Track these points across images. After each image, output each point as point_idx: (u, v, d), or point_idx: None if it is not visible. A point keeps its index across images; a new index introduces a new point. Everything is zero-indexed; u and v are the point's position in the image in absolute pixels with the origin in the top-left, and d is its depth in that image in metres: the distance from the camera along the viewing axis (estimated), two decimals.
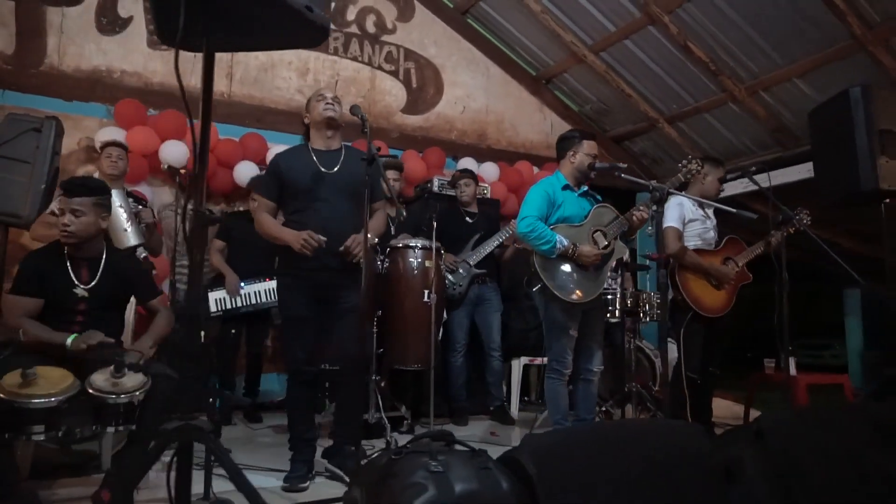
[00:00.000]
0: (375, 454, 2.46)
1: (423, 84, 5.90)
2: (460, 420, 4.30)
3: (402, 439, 3.49)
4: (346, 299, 2.75)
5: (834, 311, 9.35)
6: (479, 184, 4.84)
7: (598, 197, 3.33)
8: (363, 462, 1.80)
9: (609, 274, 3.34)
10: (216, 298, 4.23)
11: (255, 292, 4.36)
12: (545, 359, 4.97)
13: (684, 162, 3.36)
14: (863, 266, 5.50)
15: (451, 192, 4.89)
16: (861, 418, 2.22)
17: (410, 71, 5.85)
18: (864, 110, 3.14)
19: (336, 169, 2.79)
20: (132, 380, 2.22)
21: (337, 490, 2.62)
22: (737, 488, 1.83)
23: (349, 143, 3.09)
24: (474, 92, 6.17)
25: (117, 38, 4.78)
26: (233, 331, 4.40)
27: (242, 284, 4.29)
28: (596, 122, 6.70)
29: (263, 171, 3.76)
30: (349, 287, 2.73)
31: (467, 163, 5.74)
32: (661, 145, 6.50)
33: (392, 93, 5.78)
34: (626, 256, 3.35)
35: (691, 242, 3.58)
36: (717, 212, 3.76)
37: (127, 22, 4.82)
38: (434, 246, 3.60)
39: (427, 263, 3.69)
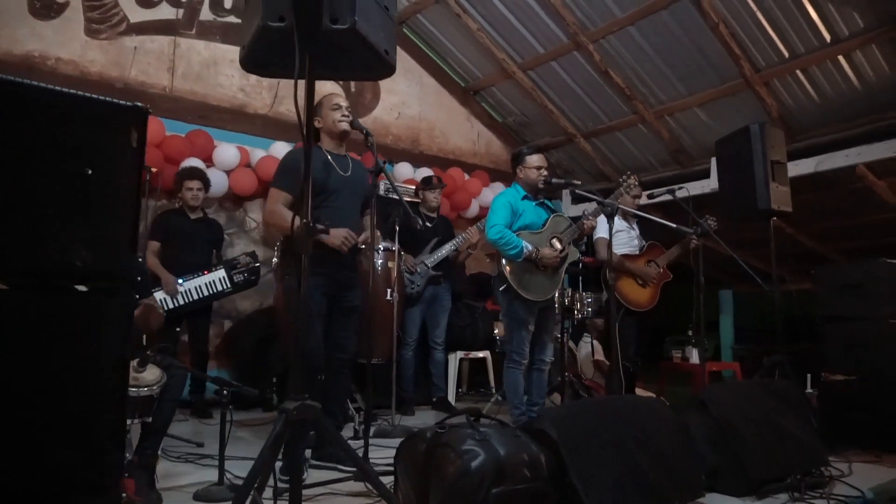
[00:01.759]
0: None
1: (362, 89, 6.11)
2: (407, 410, 4.58)
3: (361, 430, 3.74)
4: (352, 298, 2.96)
5: (709, 310, 10.54)
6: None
7: (550, 204, 3.77)
8: (403, 440, 2.05)
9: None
10: (157, 300, 4.21)
11: (195, 288, 4.38)
12: (481, 353, 5.44)
13: (623, 178, 3.90)
14: (739, 269, 6.43)
15: (395, 197, 5.17)
16: (766, 390, 2.82)
17: None
18: (762, 144, 3.80)
19: (349, 173, 2.97)
20: (151, 373, 2.33)
21: (332, 475, 2.77)
22: (693, 445, 2.32)
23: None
24: (409, 99, 6.46)
25: (53, 23, 4.59)
26: (177, 329, 4.40)
27: (181, 281, 4.30)
28: (517, 134, 7.22)
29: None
30: (353, 287, 2.95)
31: (404, 167, 6.03)
32: (575, 158, 7.14)
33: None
34: (576, 259, 3.80)
35: (620, 249, 4.12)
36: (640, 221, 4.35)
37: (63, 7, 4.64)
38: (397, 248, 3.87)
39: (390, 264, 3.96)
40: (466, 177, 6.43)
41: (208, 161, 4.87)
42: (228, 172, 4.97)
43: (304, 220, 1.65)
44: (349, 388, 3.47)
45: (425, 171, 6.08)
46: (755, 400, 2.63)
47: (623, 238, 4.14)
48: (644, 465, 1.98)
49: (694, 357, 4.60)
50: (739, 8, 4.71)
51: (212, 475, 2.54)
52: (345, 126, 2.94)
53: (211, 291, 4.36)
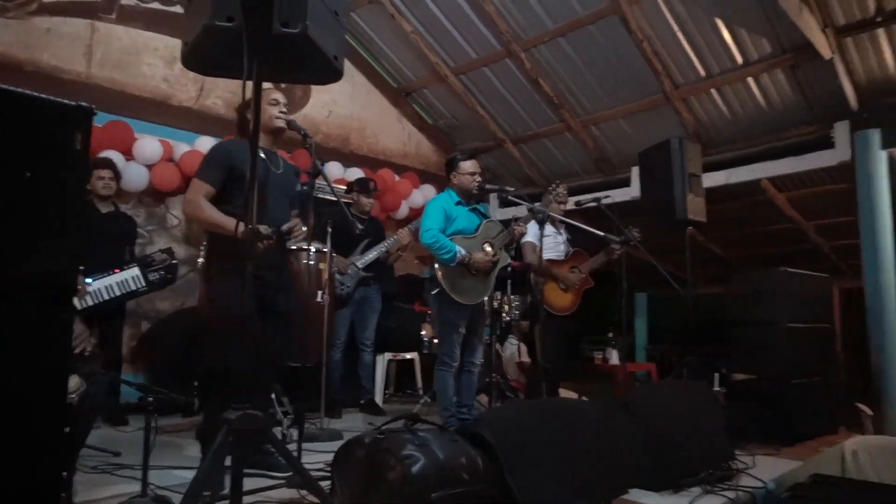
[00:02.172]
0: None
1: (292, 86, 5.98)
2: (335, 413, 4.54)
3: (293, 433, 3.68)
4: (281, 301, 2.88)
5: (626, 311, 11.04)
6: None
7: (483, 209, 3.85)
8: (342, 446, 2.05)
9: None
10: None
11: (106, 287, 4.14)
12: (409, 354, 5.46)
13: (552, 187, 4.04)
14: (653, 272, 6.78)
15: (325, 197, 5.11)
16: (682, 391, 3.01)
17: None
18: (680, 157, 4.05)
19: (280, 171, 2.89)
20: (70, 381, 2.20)
21: (267, 481, 2.70)
22: (619, 443, 2.44)
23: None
24: (340, 98, 6.39)
25: None
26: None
27: (89, 281, 4.07)
28: (448, 136, 7.29)
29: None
30: (282, 288, 2.88)
31: (334, 167, 5.96)
32: (503, 162, 7.29)
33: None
34: (507, 264, 3.89)
35: (547, 255, 4.25)
36: (568, 227, 4.50)
37: None
38: (329, 249, 3.82)
39: (321, 266, 3.91)
40: (397, 178, 6.43)
41: (128, 154, 4.64)
42: (150, 167, 4.74)
43: (249, 226, 1.61)
44: (274, 391, 3.39)
45: (356, 171, 6.05)
46: (673, 399, 2.80)
47: (549, 243, 4.25)
48: (575, 463, 2.08)
49: (614, 358, 4.81)
50: (662, 27, 4.98)
51: (133, 487, 2.43)
52: (281, 123, 2.87)
53: (124, 291, 4.13)
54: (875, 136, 4.80)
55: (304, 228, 2.91)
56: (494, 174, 7.56)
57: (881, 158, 4.80)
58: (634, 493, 2.51)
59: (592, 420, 2.29)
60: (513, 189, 3.65)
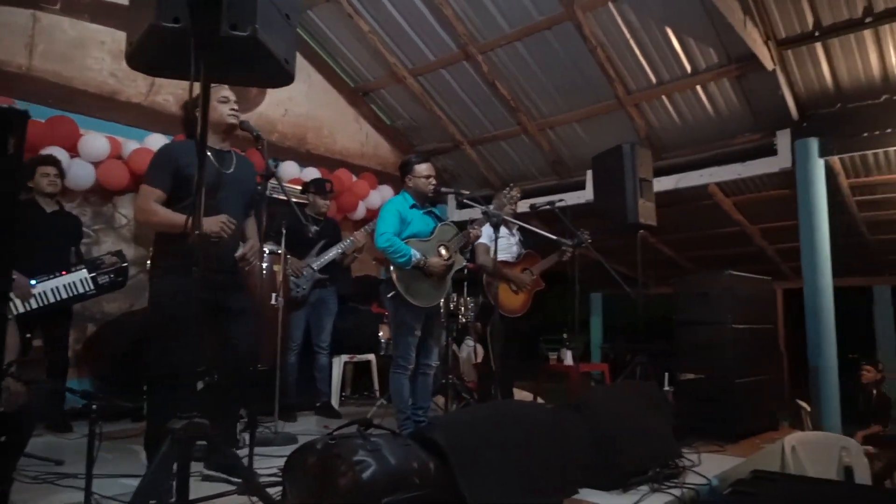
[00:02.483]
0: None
1: None
2: (290, 416, 4.48)
3: (244, 437, 3.62)
4: (237, 302, 2.83)
5: (581, 310, 11.28)
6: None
7: (438, 212, 3.86)
8: (293, 452, 2.03)
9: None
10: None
11: (52, 290, 4.00)
12: (367, 356, 5.44)
13: (506, 190, 4.08)
14: (606, 272, 6.93)
15: (281, 197, 5.04)
16: (632, 391, 3.09)
17: None
18: (632, 162, 4.14)
19: (231, 170, 2.81)
20: (10, 388, 2.12)
21: (218, 487, 2.64)
22: (570, 444, 2.49)
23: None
24: (297, 96, 6.31)
25: None
26: (27, 335, 3.99)
27: (34, 283, 3.92)
28: (406, 137, 7.28)
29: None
30: (237, 289, 2.82)
31: (290, 167, 5.88)
32: (461, 164, 7.33)
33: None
34: (462, 266, 3.91)
35: (499, 256, 4.27)
36: (521, 229, 4.55)
37: None
38: (283, 252, 3.78)
39: (275, 268, 3.85)
40: (354, 178, 6.39)
41: (73, 151, 4.47)
42: (96, 164, 4.58)
43: (197, 231, 1.58)
44: (241, 395, 3.31)
45: (312, 171, 5.98)
46: (623, 400, 2.87)
47: (502, 245, 4.27)
48: (527, 465, 2.11)
49: (568, 359, 4.89)
50: (615, 35, 5.09)
51: (75, 497, 2.36)
52: (232, 120, 2.80)
53: (71, 294, 3.98)
54: (814, 144, 5.02)
55: (255, 251, 2.84)
56: (452, 175, 7.59)
57: (819, 166, 5.02)
58: (585, 493, 2.56)
59: (544, 422, 2.33)
60: (468, 192, 3.67)
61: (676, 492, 2.70)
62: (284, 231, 3.80)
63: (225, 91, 2.84)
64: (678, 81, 5.29)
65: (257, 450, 3.09)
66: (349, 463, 1.80)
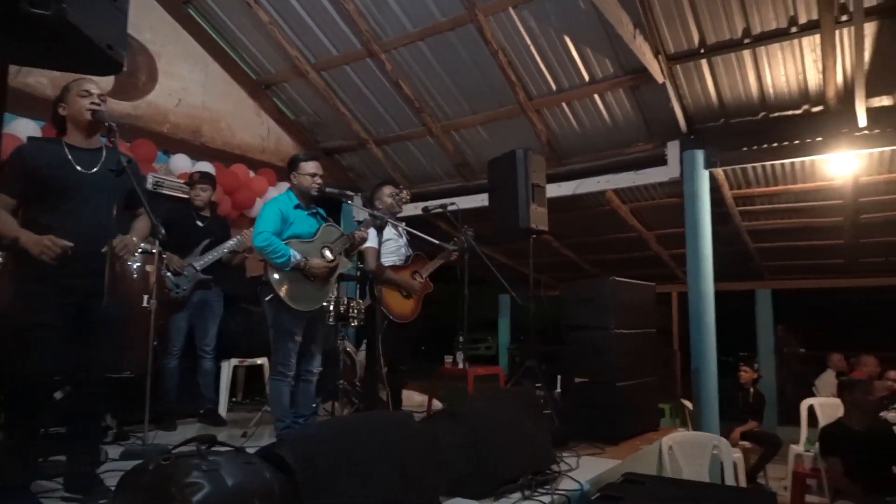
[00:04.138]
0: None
1: (135, 69, 5.51)
2: (169, 425, 4.23)
3: (109, 450, 3.37)
4: (100, 307, 2.60)
5: (490, 312, 11.43)
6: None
7: (324, 213, 3.73)
8: (126, 473, 1.86)
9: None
10: None
11: None
12: (259, 360, 5.22)
13: (395, 191, 4.00)
14: (512, 274, 7.03)
15: (167, 192, 4.77)
16: (514, 398, 3.09)
17: None
18: (525, 167, 4.18)
19: (96, 169, 2.60)
20: None
21: None
22: (437, 456, 2.45)
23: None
24: (191, 86, 5.98)
25: None
26: None
27: None
28: (310, 133, 7.08)
29: None
30: (100, 295, 2.59)
31: (181, 159, 5.56)
32: (367, 163, 7.21)
33: None
34: (347, 269, 3.79)
35: (389, 259, 4.19)
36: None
37: None
38: (157, 250, 3.54)
39: (148, 268, 3.60)
40: (252, 174, 6.13)
41: None
42: None
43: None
44: (104, 407, 3.06)
45: (205, 166, 5.69)
46: (500, 407, 2.86)
47: (391, 247, 4.19)
48: (384, 480, 2.04)
49: (461, 362, 4.88)
50: (516, 40, 5.13)
51: None
52: (89, 116, 2.59)
53: None
54: (700, 156, 5.26)
55: (124, 245, 2.62)
56: (358, 174, 7.46)
57: (704, 177, 5.27)
58: (455, 502, 2.53)
59: (409, 433, 2.27)
60: (353, 193, 3.57)
61: (547, 499, 2.72)
62: (162, 230, 3.55)
63: (87, 84, 2.63)
64: (577, 90, 5.40)
65: (122, 464, 2.88)
66: (179, 485, 1.66)
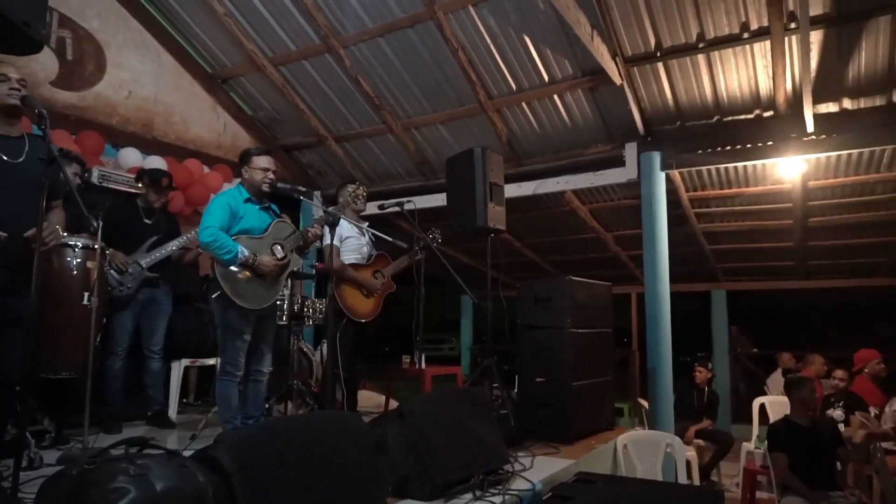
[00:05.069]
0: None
1: (81, 58, 5.30)
2: (113, 427, 4.06)
3: (46, 455, 3.21)
4: (15, 306, 2.47)
5: (453, 312, 11.41)
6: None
7: (277, 210, 3.64)
8: (48, 479, 1.76)
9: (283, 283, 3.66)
10: None
11: None
12: (211, 360, 5.07)
13: (352, 188, 3.93)
14: (474, 275, 7.01)
15: (113, 186, 4.58)
16: (463, 398, 3.05)
17: (66, 40, 5.19)
18: (483, 166, 4.15)
19: (21, 159, 2.47)
20: None
21: None
22: (385, 457, 2.39)
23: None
24: (142, 77, 5.79)
25: None
26: None
27: None
28: (268, 129, 6.93)
29: None
30: (16, 292, 2.46)
31: (130, 153, 5.38)
32: (327, 160, 7.10)
33: (39, 60, 5.02)
34: (299, 267, 3.69)
35: (350, 257, 4.12)
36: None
37: None
38: (99, 245, 3.39)
39: (89, 264, 3.44)
40: (206, 170, 5.97)
41: None
42: None
43: None
44: (8, 412, 2.90)
45: (156, 160, 5.50)
46: (449, 407, 2.82)
47: (352, 245, 4.13)
48: (325, 483, 1.97)
49: (421, 362, 4.83)
50: (476, 39, 5.11)
51: None
52: (13, 101, 2.46)
53: None
54: (656, 157, 5.33)
55: (49, 233, 2.49)
56: (318, 172, 7.34)
57: (660, 178, 5.34)
58: None
59: (353, 433, 2.21)
60: (304, 189, 3.49)
61: (498, 499, 2.68)
62: (100, 223, 3.40)
63: (5, 68, 2.47)
64: (537, 90, 5.41)
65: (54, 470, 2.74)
66: (103, 491, 1.57)
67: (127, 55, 5.65)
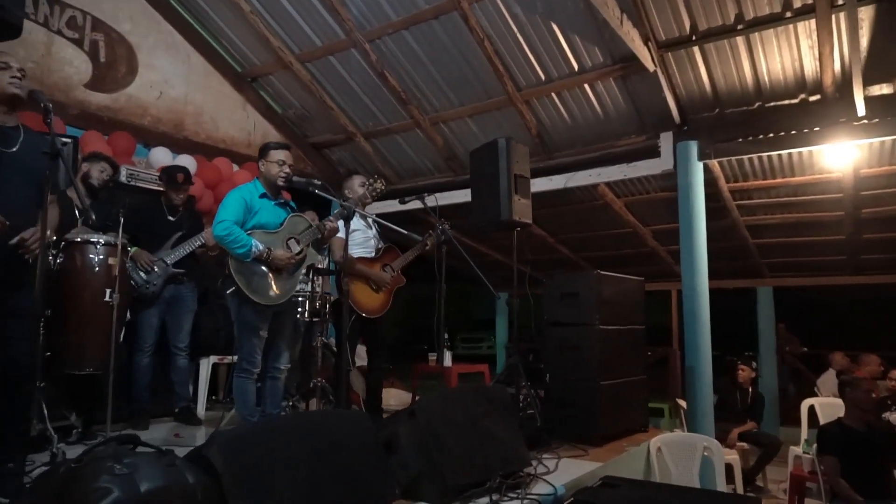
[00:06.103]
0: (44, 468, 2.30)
1: (114, 61, 5.39)
2: (140, 423, 4.09)
3: (72, 450, 3.24)
4: (12, 298, 2.46)
5: (490, 311, 11.27)
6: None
7: (294, 205, 3.59)
8: (39, 476, 1.73)
9: (301, 278, 3.60)
10: None
11: None
12: (235, 357, 5.08)
13: (370, 181, 3.85)
14: (506, 272, 6.85)
15: (141, 185, 4.64)
16: (479, 396, 2.93)
17: (99, 43, 5.28)
18: (507, 158, 4.01)
19: (15, 149, 2.46)
20: None
21: None
22: (395, 457, 2.29)
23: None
24: (173, 78, 5.85)
25: None
26: None
27: None
28: (298, 128, 6.94)
29: None
30: (15, 285, 2.46)
31: (161, 153, 5.44)
32: (356, 157, 7.06)
33: (73, 63, 5.13)
34: (319, 262, 3.62)
35: (357, 251, 4.02)
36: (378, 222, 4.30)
37: None
38: (120, 242, 3.40)
39: (111, 261, 3.46)
40: (236, 168, 6.00)
41: None
42: None
43: None
44: (23, 406, 2.91)
45: (186, 159, 5.55)
46: (464, 406, 2.70)
47: (358, 238, 4.01)
48: (324, 482, 1.89)
49: (447, 360, 4.74)
50: (502, 28, 4.97)
51: None
52: (15, 90, 2.44)
53: None
54: (693, 147, 5.08)
55: (37, 238, 2.47)
56: (349, 169, 7.30)
57: (698, 169, 5.09)
58: None
59: (358, 432, 2.12)
60: (320, 182, 3.42)
61: (517, 503, 2.56)
62: (122, 220, 3.42)
63: (5, 56, 2.46)
64: (566, 79, 5.23)
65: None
66: (87, 490, 1.53)
67: (158, 56, 5.72)
